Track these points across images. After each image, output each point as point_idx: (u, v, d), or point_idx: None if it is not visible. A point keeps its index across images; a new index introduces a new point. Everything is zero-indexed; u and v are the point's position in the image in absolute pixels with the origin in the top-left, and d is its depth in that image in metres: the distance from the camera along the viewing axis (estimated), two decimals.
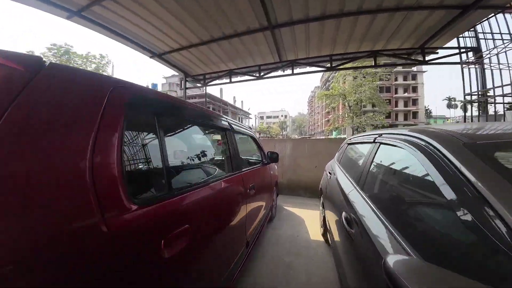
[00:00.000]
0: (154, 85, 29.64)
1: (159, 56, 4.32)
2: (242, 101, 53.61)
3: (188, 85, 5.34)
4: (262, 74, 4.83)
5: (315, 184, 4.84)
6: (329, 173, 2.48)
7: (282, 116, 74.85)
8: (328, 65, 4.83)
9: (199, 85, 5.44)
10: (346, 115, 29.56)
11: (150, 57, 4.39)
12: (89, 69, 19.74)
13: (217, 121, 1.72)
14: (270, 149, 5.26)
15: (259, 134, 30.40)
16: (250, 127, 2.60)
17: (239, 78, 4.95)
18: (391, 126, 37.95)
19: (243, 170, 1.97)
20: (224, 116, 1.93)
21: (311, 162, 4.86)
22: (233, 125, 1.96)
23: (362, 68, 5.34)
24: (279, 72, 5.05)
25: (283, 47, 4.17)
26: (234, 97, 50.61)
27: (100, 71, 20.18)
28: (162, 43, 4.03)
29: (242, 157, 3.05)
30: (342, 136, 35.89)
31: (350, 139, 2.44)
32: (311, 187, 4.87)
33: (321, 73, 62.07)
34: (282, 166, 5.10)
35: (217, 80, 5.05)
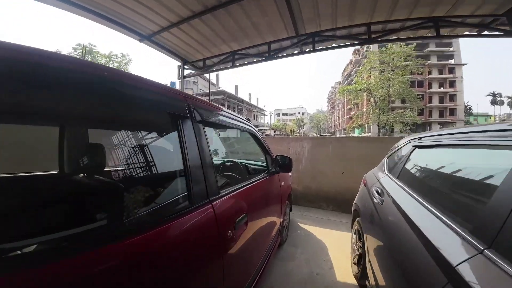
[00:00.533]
0: (172, 83, 30.02)
1: (149, 38, 3.65)
2: (257, 98, 52.56)
3: (186, 73, 4.63)
4: (273, 53, 3.77)
5: (341, 195, 3.83)
6: (377, 192, 1.53)
7: (299, 113, 72.07)
8: (365, 37, 3.71)
9: (196, 72, 4.68)
10: (372, 112, 27.14)
11: (139, 40, 3.75)
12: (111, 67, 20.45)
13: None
14: (283, 150, 4.38)
15: (274, 131, 29.12)
16: (248, 119, 1.73)
17: (245, 62, 4.03)
18: (425, 124, 34.23)
19: (229, 191, 1.17)
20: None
21: (336, 166, 3.86)
22: (203, 110, 1.09)
23: (418, 40, 3.99)
24: (296, 50, 4.01)
25: (301, 17, 3.18)
26: (249, 94, 49.95)
27: (122, 69, 20.79)
28: (148, 21, 3.34)
29: (237, 163, 2.22)
30: (367, 134, 33.27)
31: (421, 138, 1.45)
32: (336, 199, 3.87)
33: (343, 67, 58.47)
34: (298, 171, 4.16)
35: (220, 65, 4.19)
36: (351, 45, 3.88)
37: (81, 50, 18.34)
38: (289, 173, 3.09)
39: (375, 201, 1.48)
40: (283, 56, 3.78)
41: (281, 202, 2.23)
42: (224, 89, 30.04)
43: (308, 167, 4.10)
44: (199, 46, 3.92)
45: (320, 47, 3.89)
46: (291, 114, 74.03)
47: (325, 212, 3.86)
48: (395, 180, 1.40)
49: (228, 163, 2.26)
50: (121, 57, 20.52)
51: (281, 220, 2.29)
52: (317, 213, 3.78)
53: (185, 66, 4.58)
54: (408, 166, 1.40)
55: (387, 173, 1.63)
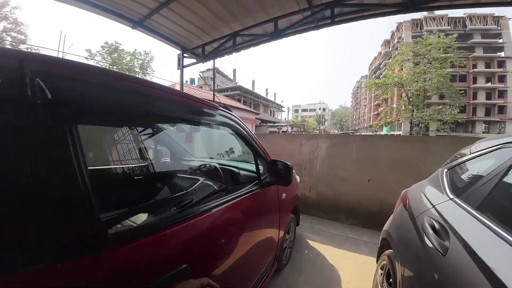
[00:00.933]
0: (192, 80, 30.52)
1: (141, 24, 3.27)
2: (274, 94, 51.22)
3: (186, 62, 4.20)
4: (280, 31, 3.01)
5: (365, 207, 3.12)
6: (432, 227, 0.90)
7: (320, 109, 68.60)
8: (405, 1, 2.73)
9: (197, 60, 4.21)
10: (403, 108, 24.60)
11: (132, 27, 3.39)
12: (136, 64, 21.35)
13: None
14: (294, 150, 3.66)
15: (292, 128, 27.74)
16: (225, 106, 1.17)
17: (248, 44, 3.37)
18: (467, 122, 30.14)
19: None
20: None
21: (361, 172, 3.14)
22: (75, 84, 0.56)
23: (481, 5, 2.85)
24: (310, 25, 3.23)
25: None
26: (266, 90, 48.92)
27: (145, 66, 21.61)
28: (135, 4, 2.92)
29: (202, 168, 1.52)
30: (396, 132, 30.42)
31: None
32: (358, 211, 3.17)
33: (370, 60, 53.70)
34: (311, 175, 3.52)
35: (221, 51, 3.62)
36: (384, 14, 2.94)
37: (108, 48, 19.34)
38: (296, 179, 2.50)
39: (429, 243, 0.86)
40: (292, 33, 3.04)
41: (279, 222, 1.66)
42: (241, 85, 29.68)
43: (324, 171, 3.43)
44: (197, 30, 3.43)
45: (341, 19, 3.05)
46: (311, 110, 70.55)
47: (343, 226, 3.18)
48: (474, 213, 0.77)
49: (185, 168, 1.72)
50: (144, 54, 21.22)
51: (279, 243, 1.73)
52: (332, 227, 3.12)
53: (185, 55, 4.16)
54: (503, 190, 0.76)
55: (450, 196, 0.98)
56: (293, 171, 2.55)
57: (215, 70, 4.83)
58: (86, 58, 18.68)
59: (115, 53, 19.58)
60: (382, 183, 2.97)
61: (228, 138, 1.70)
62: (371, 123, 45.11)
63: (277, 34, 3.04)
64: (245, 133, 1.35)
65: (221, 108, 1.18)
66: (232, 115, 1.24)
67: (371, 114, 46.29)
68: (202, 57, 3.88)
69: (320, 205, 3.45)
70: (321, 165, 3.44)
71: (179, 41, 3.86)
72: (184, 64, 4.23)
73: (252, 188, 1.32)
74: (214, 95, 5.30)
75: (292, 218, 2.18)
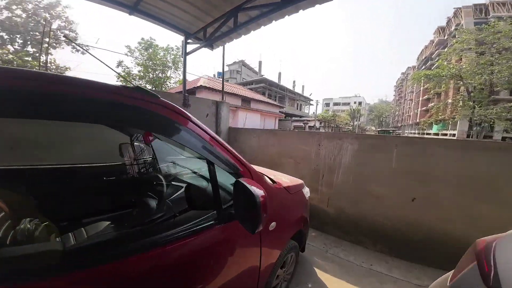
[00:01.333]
0: (219, 74, 30.84)
1: (136, 8, 2.96)
2: (303, 86, 47.96)
3: (189, 49, 3.80)
4: None
5: (403, 233, 2.43)
6: None
7: (355, 103, 62.66)
8: None
9: (200, 44, 3.77)
10: (461, 104, 20.75)
11: (129, 13, 3.13)
12: (168, 59, 22.37)
13: None
14: (307, 153, 3.00)
15: (320, 123, 25.40)
16: (142, 88, 0.68)
17: (251, 18, 2.73)
18: None
19: None
20: None
21: (402, 187, 2.39)
22: None
23: None
24: None
25: None
26: (293, 82, 46.65)
27: (177, 61, 22.54)
28: None
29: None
30: (449, 132, 26.02)
31: None
32: (392, 236, 2.46)
33: (419, 49, 46.11)
34: (329, 185, 2.88)
35: (222, 32, 3.07)
36: None
37: (144, 44, 20.64)
38: (304, 194, 1.95)
39: None
40: None
41: (260, 263, 1.17)
42: (266, 77, 28.74)
43: (349, 183, 2.74)
44: (196, 10, 2.99)
45: None
46: (344, 104, 64.74)
47: (366, 253, 2.49)
48: None
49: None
50: (176, 49, 22.08)
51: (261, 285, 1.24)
52: (352, 253, 2.47)
53: (188, 40, 3.79)
54: None
55: None
56: (303, 185, 2.01)
57: (224, 57, 4.42)
58: (126, 54, 20.33)
59: (149, 48, 20.78)
60: (435, 206, 2.19)
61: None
62: (417, 120, 39.74)
63: (286, 1, 2.35)
64: (187, 132, 0.85)
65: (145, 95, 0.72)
66: (161, 101, 0.77)
67: (418, 109, 40.56)
68: (206, 41, 3.47)
69: (339, 223, 2.80)
70: (345, 174, 2.76)
71: (180, 25, 3.51)
72: (188, 51, 3.90)
73: (205, 224, 0.85)
74: (223, 84, 4.90)
75: (293, 246, 1.66)
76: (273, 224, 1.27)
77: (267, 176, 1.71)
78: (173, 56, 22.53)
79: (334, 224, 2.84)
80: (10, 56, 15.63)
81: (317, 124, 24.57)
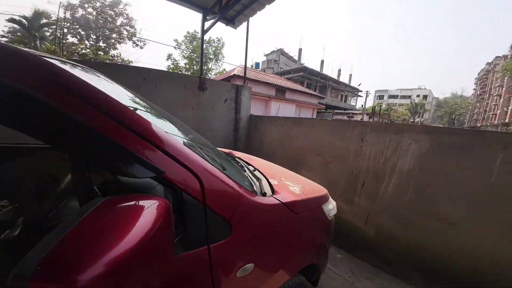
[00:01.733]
0: (257, 64, 30.05)
1: None
2: (350, 75, 41.49)
3: (206, 26, 3.23)
4: None
5: (483, 275, 1.43)
6: None
7: (418, 96, 52.35)
8: None
9: (214, 20, 3.14)
10: None
11: None
12: (210, 51, 23.05)
13: None
14: (346, 150, 2.22)
15: (369, 117, 21.65)
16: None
17: None
18: None
19: None
20: None
21: (500, 216, 1.42)
22: None
23: None
24: None
25: None
26: (339, 70, 41.73)
27: (217, 52, 23.07)
28: None
29: None
30: None
31: None
32: (462, 276, 1.51)
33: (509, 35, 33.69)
34: (372, 197, 2.03)
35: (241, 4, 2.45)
36: None
37: (189, 37, 21.73)
38: (325, 211, 1.27)
39: None
40: None
41: None
42: (306, 66, 26.37)
43: (404, 198, 1.83)
44: None
45: None
46: (403, 97, 54.96)
47: None
48: None
49: None
50: (217, 41, 22.53)
51: None
52: None
53: (207, 17, 3.24)
54: None
55: None
56: (326, 197, 1.32)
57: (248, 34, 3.77)
58: (174, 47, 21.85)
59: (194, 41, 21.74)
60: None
61: None
62: (506, 119, 31.19)
63: None
64: None
65: None
66: None
67: (510, 107, 31.43)
68: (221, 11, 2.88)
69: (379, 248, 1.95)
70: (401, 185, 1.86)
71: (196, 0, 3.03)
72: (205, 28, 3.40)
73: None
74: (245, 65, 4.21)
75: (296, 284, 1.04)
76: (249, 266, 0.68)
77: (266, 178, 1.19)
78: (213, 48, 23.12)
79: (371, 248, 2.00)
80: (87, 50, 18.54)
81: (366, 118, 21.44)
